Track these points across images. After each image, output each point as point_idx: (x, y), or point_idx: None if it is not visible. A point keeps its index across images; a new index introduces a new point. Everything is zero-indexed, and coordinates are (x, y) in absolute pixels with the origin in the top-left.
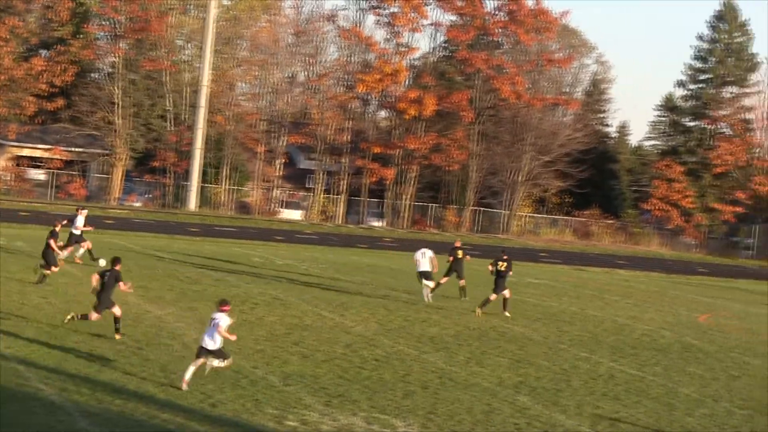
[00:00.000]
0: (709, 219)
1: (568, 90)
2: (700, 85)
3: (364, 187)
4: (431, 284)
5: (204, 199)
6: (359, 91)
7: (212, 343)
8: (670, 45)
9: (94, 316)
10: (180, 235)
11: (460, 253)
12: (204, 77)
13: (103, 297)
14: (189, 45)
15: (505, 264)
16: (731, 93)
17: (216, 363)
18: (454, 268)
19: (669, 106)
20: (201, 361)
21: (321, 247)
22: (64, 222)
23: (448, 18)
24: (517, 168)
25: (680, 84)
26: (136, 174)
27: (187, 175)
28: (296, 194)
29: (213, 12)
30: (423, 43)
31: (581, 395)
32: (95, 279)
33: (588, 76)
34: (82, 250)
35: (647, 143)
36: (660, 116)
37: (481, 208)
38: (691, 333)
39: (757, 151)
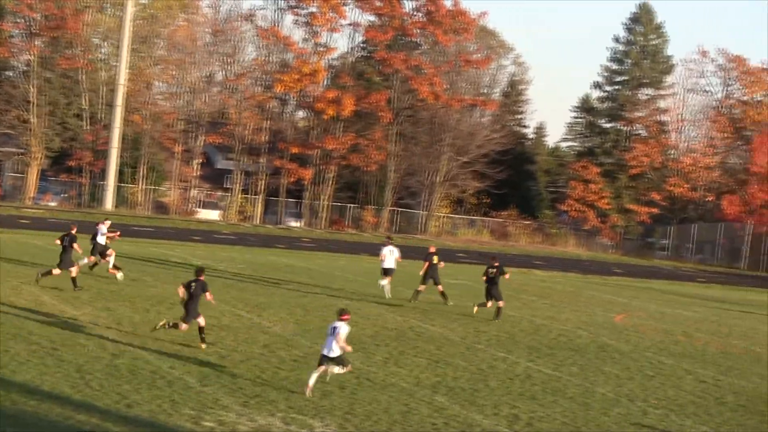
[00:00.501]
0: (624, 220)
1: (485, 91)
2: (616, 87)
3: (282, 187)
4: (386, 282)
5: (120, 198)
6: (277, 91)
7: (333, 351)
8: (587, 47)
9: (183, 326)
10: None
11: (435, 258)
12: (121, 76)
13: (190, 307)
14: (105, 43)
15: (495, 270)
16: (647, 95)
17: (337, 370)
18: (431, 275)
19: (585, 107)
20: (323, 368)
21: (239, 247)
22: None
23: (367, 18)
24: (435, 168)
25: (597, 86)
26: (51, 173)
27: (103, 174)
28: (214, 194)
29: (130, 10)
30: (341, 43)
31: (498, 395)
32: (181, 290)
33: (505, 77)
34: (111, 259)
35: (564, 144)
36: (577, 118)
37: (399, 209)
38: (606, 333)
39: (672, 152)
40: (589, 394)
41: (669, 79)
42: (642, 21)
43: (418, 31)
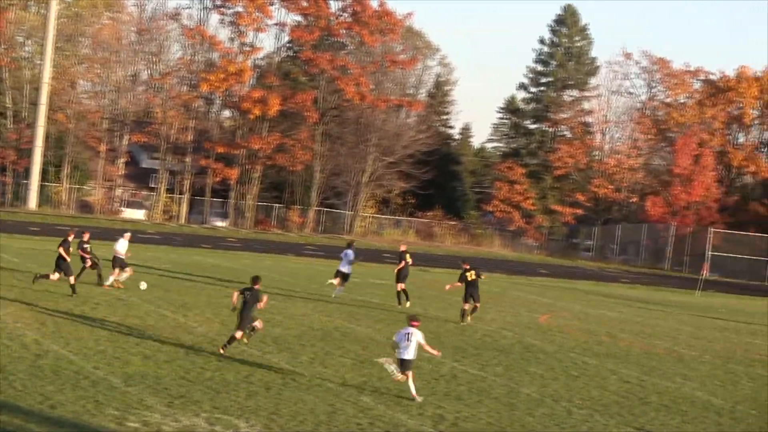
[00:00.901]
0: (549, 221)
1: (411, 91)
2: (542, 89)
3: (207, 186)
4: (335, 281)
5: (44, 197)
6: (203, 90)
7: (409, 353)
8: (513, 48)
9: (238, 334)
10: (20, 234)
11: (408, 257)
12: (45, 74)
13: (244, 315)
14: (30, 41)
15: (474, 272)
16: (571, 96)
17: (393, 369)
18: (405, 273)
19: (511, 108)
20: (409, 373)
21: (164, 247)
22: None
23: (293, 18)
24: (361, 169)
25: (522, 87)
26: None
27: (27, 173)
28: (139, 194)
29: (54, 8)
30: (267, 43)
31: (424, 395)
32: (235, 297)
33: (431, 77)
34: (125, 275)
35: (490, 145)
36: (502, 119)
37: (325, 209)
38: (531, 333)
39: (597, 153)
40: (514, 395)
41: (593, 81)
42: (567, 23)
43: (345, 31)
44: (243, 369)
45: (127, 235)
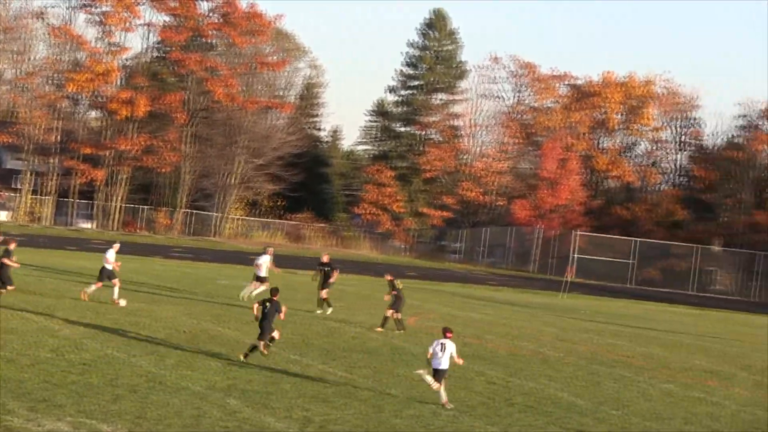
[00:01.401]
0: (418, 223)
1: (281, 93)
2: (411, 92)
3: (73, 188)
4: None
5: None
6: (69, 90)
7: (443, 364)
8: (384, 51)
9: (261, 344)
10: None
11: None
12: None
13: (265, 325)
14: None
15: (402, 282)
16: (440, 100)
17: (429, 379)
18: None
19: (380, 111)
20: (443, 382)
21: (29, 248)
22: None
23: (162, 18)
24: (230, 171)
25: (391, 90)
26: None
27: None
28: (2, 195)
29: None
30: (135, 43)
31: (291, 398)
32: (256, 308)
33: (301, 80)
34: (116, 290)
35: (359, 148)
36: (372, 121)
37: (194, 211)
38: (399, 336)
39: (465, 157)
40: (382, 397)
41: (462, 85)
42: (436, 27)
43: (214, 32)
44: (108, 372)
45: (116, 245)
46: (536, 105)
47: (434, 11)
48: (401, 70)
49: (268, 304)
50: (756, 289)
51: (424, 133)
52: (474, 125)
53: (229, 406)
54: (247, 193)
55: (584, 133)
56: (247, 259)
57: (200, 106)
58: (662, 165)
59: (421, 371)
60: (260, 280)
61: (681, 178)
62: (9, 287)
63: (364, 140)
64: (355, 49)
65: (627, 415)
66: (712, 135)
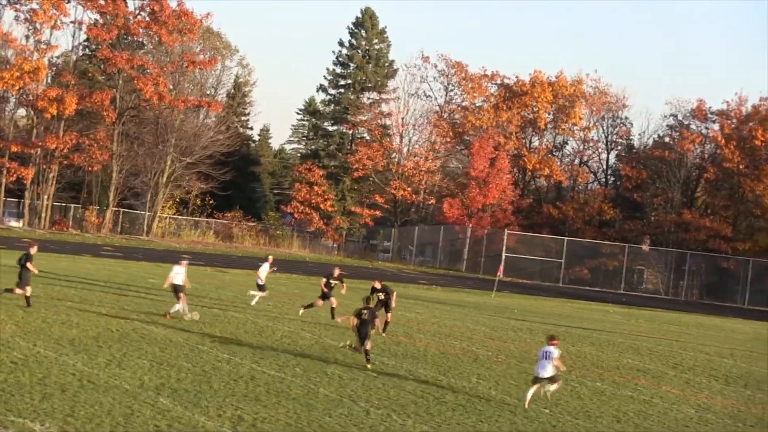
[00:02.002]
0: (348, 222)
1: (210, 92)
2: (341, 90)
3: (1, 186)
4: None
5: None
6: None
7: (546, 372)
8: (314, 50)
9: (368, 345)
10: None
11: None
12: None
13: (363, 331)
14: None
15: (384, 293)
16: (370, 99)
17: (552, 388)
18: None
19: (310, 110)
20: (537, 387)
21: None
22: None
23: (90, 16)
24: (160, 169)
25: (321, 89)
26: None
27: None
28: None
29: None
30: (64, 41)
31: (222, 396)
32: (354, 321)
33: (231, 78)
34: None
35: (289, 147)
36: (302, 120)
37: (123, 209)
38: (329, 334)
39: (395, 156)
40: (313, 395)
41: (392, 84)
42: (366, 26)
43: (143, 30)
44: (38, 371)
45: (185, 260)
46: (466, 104)
47: (364, 10)
48: (331, 69)
49: (364, 311)
50: (685, 288)
51: (354, 132)
52: (404, 124)
53: (159, 405)
54: (177, 192)
55: (514, 133)
56: (178, 258)
57: (129, 105)
58: (592, 164)
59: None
60: (260, 288)
61: (610, 177)
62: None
63: (294, 139)
64: (285, 48)
65: (558, 414)
66: (641, 134)
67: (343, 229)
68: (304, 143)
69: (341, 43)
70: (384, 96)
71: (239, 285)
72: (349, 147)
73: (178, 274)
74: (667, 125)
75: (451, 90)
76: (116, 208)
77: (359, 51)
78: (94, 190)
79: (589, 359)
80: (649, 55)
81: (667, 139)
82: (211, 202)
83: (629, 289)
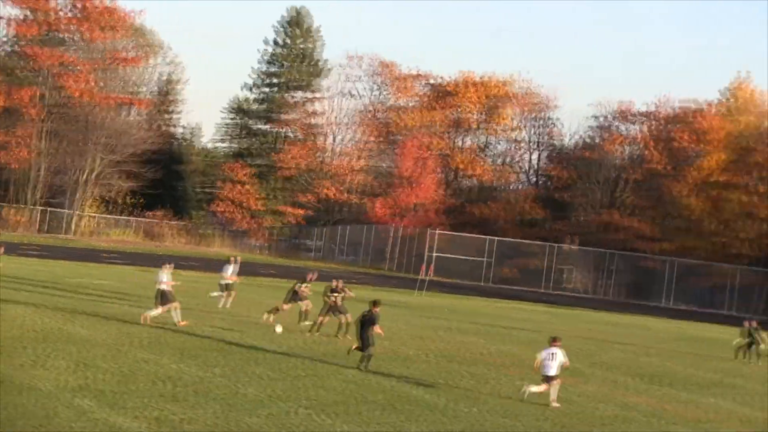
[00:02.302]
0: (276, 221)
1: (138, 89)
2: (269, 89)
3: None
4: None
5: None
6: None
7: (552, 370)
8: (243, 48)
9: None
10: None
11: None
12: None
13: (364, 337)
14: None
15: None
16: (299, 98)
17: (534, 389)
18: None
19: (238, 108)
20: (546, 386)
21: None
22: None
23: (15, 12)
24: (85, 167)
25: (250, 87)
26: None
27: None
28: None
29: None
30: None
31: (145, 397)
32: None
33: (159, 76)
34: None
35: (217, 145)
36: (229, 119)
37: (48, 208)
38: (255, 334)
39: (324, 155)
40: (238, 396)
41: (321, 83)
42: (296, 24)
43: (69, 27)
44: None
45: (170, 266)
46: (395, 104)
47: (295, 9)
48: (260, 68)
49: (366, 315)
50: (608, 288)
51: (282, 130)
52: (333, 123)
53: (80, 407)
54: (103, 191)
55: (442, 132)
56: (101, 257)
57: (55, 102)
58: (519, 164)
59: (532, 388)
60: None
61: (537, 178)
62: None
63: (222, 138)
64: (215, 45)
65: (482, 413)
66: (568, 135)
67: (271, 228)
68: (231, 142)
69: (271, 42)
70: (313, 95)
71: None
72: (277, 146)
73: (162, 278)
74: (594, 126)
75: (381, 90)
76: (41, 207)
77: (289, 50)
78: (17, 188)
79: (513, 358)
80: (578, 55)
81: (593, 140)
82: (137, 200)
83: (555, 288)
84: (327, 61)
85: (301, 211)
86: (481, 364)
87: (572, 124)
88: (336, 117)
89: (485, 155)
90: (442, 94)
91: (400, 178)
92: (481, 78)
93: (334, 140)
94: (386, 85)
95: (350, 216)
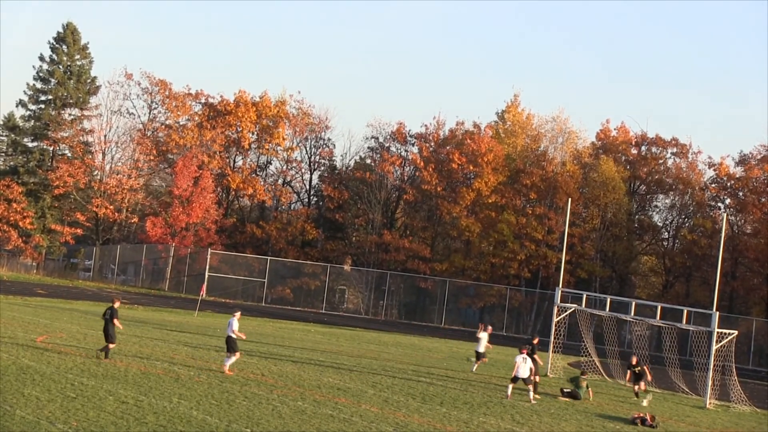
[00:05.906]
0: (48, 240)
1: None
2: (42, 106)
3: None
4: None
5: None
6: None
7: (524, 372)
8: (15, 64)
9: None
10: None
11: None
12: None
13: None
14: None
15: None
16: (72, 115)
17: (510, 389)
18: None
19: (10, 125)
20: (513, 385)
21: None
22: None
23: None
24: None
25: (22, 104)
26: None
27: None
28: None
29: None
30: None
31: None
32: None
33: None
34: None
35: None
36: (4, 136)
37: None
38: (27, 355)
39: (98, 173)
40: (9, 418)
41: (94, 100)
42: (67, 41)
43: None
44: None
45: (238, 314)
46: (170, 122)
47: (65, 25)
48: (32, 84)
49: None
50: (385, 308)
51: (55, 148)
52: (106, 141)
53: None
54: None
55: (218, 152)
56: None
57: None
58: (295, 184)
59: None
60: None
61: (313, 198)
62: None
63: None
64: None
65: None
66: (344, 155)
67: (43, 248)
68: (2, 159)
69: (42, 58)
70: (86, 113)
71: None
72: (49, 164)
73: (230, 326)
74: (369, 147)
75: (155, 108)
76: None
77: (60, 66)
78: None
79: (290, 378)
80: (351, 77)
81: (368, 161)
82: None
83: (331, 308)
84: (96, 78)
85: (74, 230)
86: (257, 385)
87: (346, 144)
88: (108, 135)
89: (261, 175)
90: (217, 113)
91: (176, 197)
92: (254, 98)
93: (104, 158)
94: (161, 104)
95: (125, 235)
